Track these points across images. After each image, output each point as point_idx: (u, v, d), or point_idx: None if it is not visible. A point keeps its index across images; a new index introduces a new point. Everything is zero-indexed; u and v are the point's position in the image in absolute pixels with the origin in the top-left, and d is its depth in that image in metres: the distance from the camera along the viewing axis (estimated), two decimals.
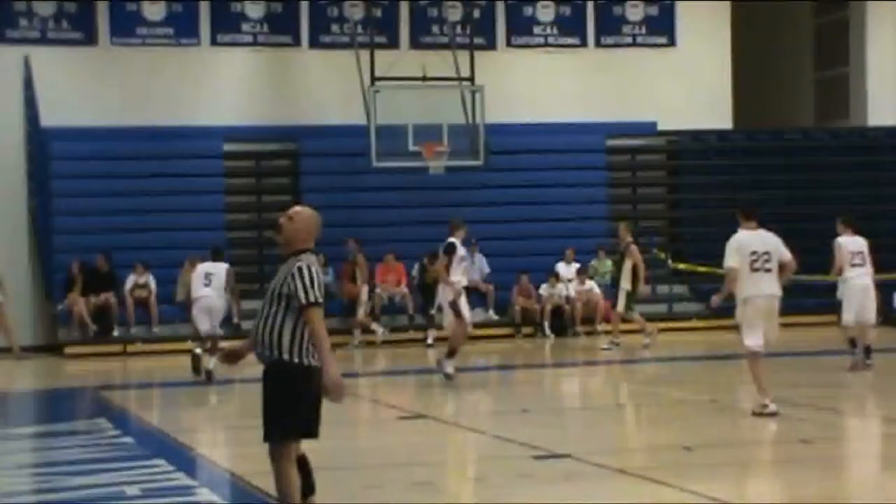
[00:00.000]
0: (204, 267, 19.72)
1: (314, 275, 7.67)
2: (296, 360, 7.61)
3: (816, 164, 28.91)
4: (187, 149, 26.29)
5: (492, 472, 11.28)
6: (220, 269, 19.49)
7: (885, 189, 28.99)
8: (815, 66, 31.63)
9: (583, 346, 24.28)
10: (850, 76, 30.54)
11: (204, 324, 19.15)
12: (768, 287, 13.24)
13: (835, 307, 18.61)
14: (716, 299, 13.94)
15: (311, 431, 7.77)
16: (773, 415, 12.93)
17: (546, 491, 10.12)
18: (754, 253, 13.27)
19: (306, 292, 7.56)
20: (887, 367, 19.31)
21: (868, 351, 17.55)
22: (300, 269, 7.64)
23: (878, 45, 29.97)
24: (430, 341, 24.03)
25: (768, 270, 13.27)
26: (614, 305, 22.91)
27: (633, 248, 22.57)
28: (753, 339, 13.27)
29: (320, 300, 7.61)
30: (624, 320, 22.91)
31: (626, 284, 22.44)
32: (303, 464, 7.88)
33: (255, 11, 27.32)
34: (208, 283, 19.28)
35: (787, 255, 13.46)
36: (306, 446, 7.94)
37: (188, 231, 25.47)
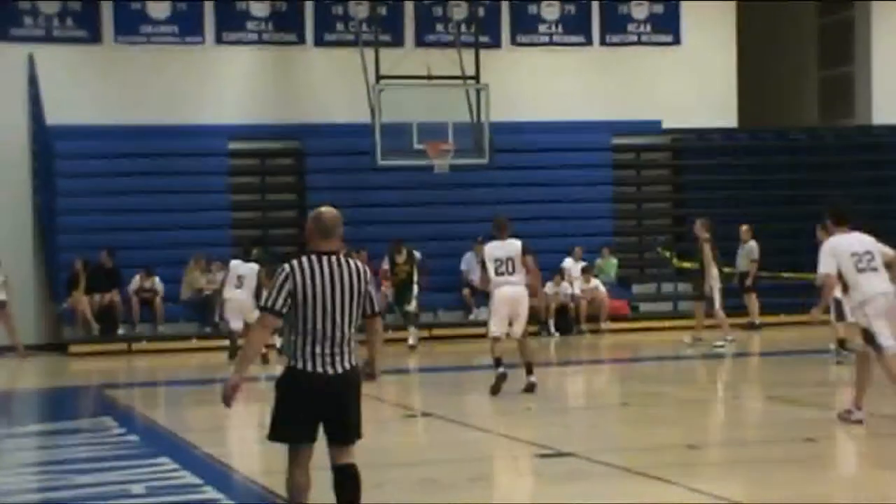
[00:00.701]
0: (236, 267, 20.50)
1: (279, 279, 7.43)
2: (286, 363, 7.57)
3: (821, 163, 28.88)
4: (192, 147, 26.30)
5: (496, 470, 11.28)
6: (252, 270, 20.42)
7: (890, 188, 28.95)
8: (819, 64, 31.60)
9: (587, 345, 24.27)
10: (854, 75, 30.51)
11: (235, 322, 20.87)
12: (881, 285, 12.45)
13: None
14: (815, 313, 13.24)
15: (301, 436, 7.54)
16: (858, 422, 12.39)
17: (551, 490, 10.12)
18: (855, 254, 12.48)
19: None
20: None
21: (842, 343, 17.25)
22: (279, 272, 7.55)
23: (883, 44, 29.94)
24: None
25: (875, 269, 12.49)
26: (706, 301, 22.03)
27: (707, 245, 21.90)
28: (886, 339, 12.33)
29: (268, 304, 7.43)
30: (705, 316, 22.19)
31: (715, 282, 21.82)
32: (342, 475, 7.66)
33: (259, 10, 27.32)
34: (240, 286, 20.52)
35: (889, 251, 12.80)
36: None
37: (193, 230, 25.49)
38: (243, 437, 13.79)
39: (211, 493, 10.04)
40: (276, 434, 7.59)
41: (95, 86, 26.19)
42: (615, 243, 27.91)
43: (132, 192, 25.79)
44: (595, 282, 25.92)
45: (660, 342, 23.85)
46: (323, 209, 7.60)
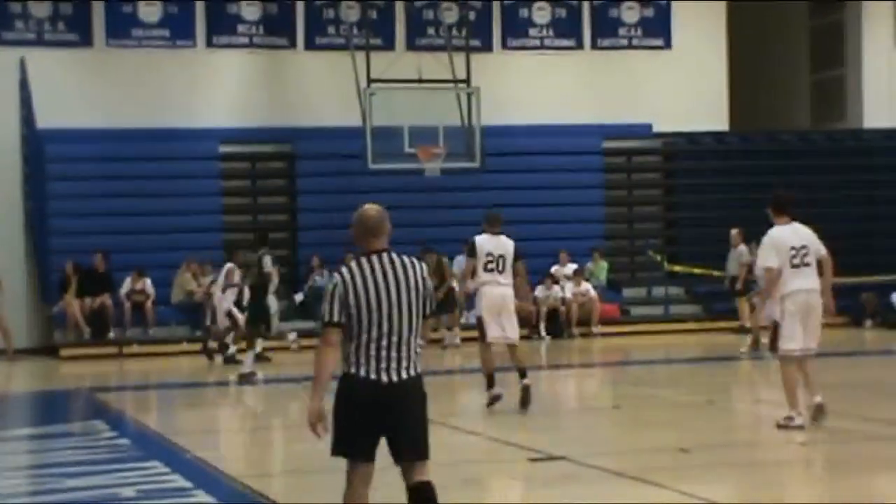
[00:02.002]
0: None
1: (330, 288, 6.96)
2: (344, 370, 7.05)
3: (812, 167, 28.91)
4: (183, 151, 26.28)
5: (487, 474, 11.28)
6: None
7: (881, 191, 29.00)
8: (810, 68, 31.65)
9: (578, 348, 24.28)
10: (845, 78, 30.56)
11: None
12: (806, 282, 12.37)
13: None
14: (758, 302, 12.95)
15: (358, 450, 7.01)
16: (799, 428, 12.25)
17: (542, 493, 10.12)
18: (793, 248, 12.39)
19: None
20: (888, 368, 19.34)
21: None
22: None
23: (874, 47, 29.99)
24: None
25: (807, 265, 12.38)
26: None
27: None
28: (791, 342, 12.43)
29: (325, 318, 6.95)
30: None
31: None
32: (416, 496, 7.09)
33: (250, 13, 27.31)
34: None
35: (822, 250, 12.63)
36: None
37: (184, 233, 25.47)
38: (234, 441, 13.78)
39: (201, 496, 10.03)
40: (335, 447, 7.02)
41: (87, 89, 26.17)
42: (606, 247, 27.93)
43: (123, 196, 25.76)
44: (586, 285, 25.93)
45: (651, 345, 23.87)
46: (366, 207, 7.14)
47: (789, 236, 12.54)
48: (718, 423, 13.31)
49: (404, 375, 6.94)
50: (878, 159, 29.49)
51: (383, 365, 6.90)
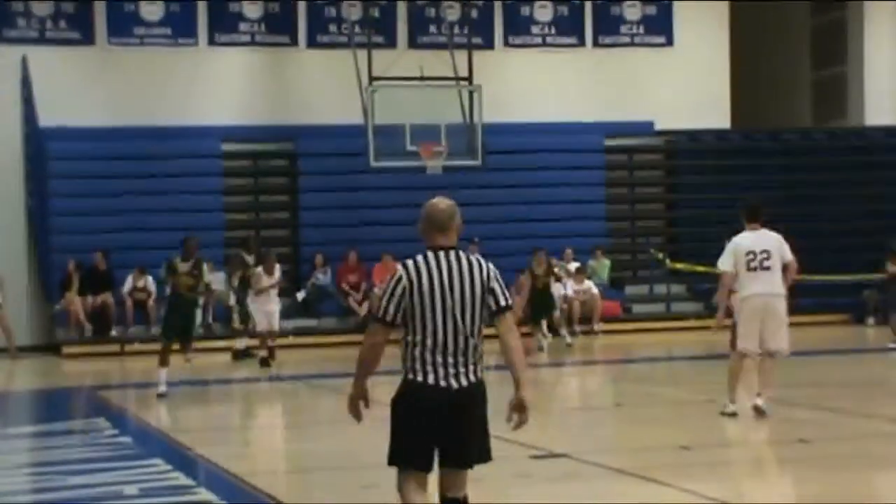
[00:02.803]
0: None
1: (390, 282, 6.58)
2: (403, 375, 6.65)
3: (814, 164, 28.91)
4: (185, 149, 26.29)
5: (489, 471, 11.27)
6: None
7: (883, 189, 28.99)
8: (812, 65, 31.64)
9: (580, 346, 24.27)
10: (847, 76, 30.55)
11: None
12: (763, 286, 12.74)
13: (835, 307, 18.51)
14: (719, 315, 13.43)
15: (414, 459, 6.59)
16: (732, 415, 12.91)
17: (544, 490, 10.12)
18: (750, 252, 12.82)
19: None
20: (890, 366, 19.33)
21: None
22: None
23: (876, 45, 29.98)
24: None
25: (767, 269, 12.77)
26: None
27: None
28: (744, 342, 12.83)
29: (378, 314, 6.57)
30: None
31: None
32: None
33: (252, 11, 27.31)
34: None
35: (788, 255, 12.99)
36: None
37: (186, 231, 25.40)
38: (236, 439, 13.79)
39: (204, 494, 10.03)
40: (391, 457, 6.66)
41: (89, 87, 26.18)
42: (608, 244, 27.92)
43: (125, 194, 25.78)
44: (588, 283, 25.92)
45: (652, 343, 23.87)
46: (435, 200, 6.71)
47: (750, 242, 12.98)
48: (719, 421, 13.30)
49: (472, 379, 6.56)
50: (881, 157, 29.49)
51: (451, 370, 6.50)
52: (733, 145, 29.66)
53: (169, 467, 11.15)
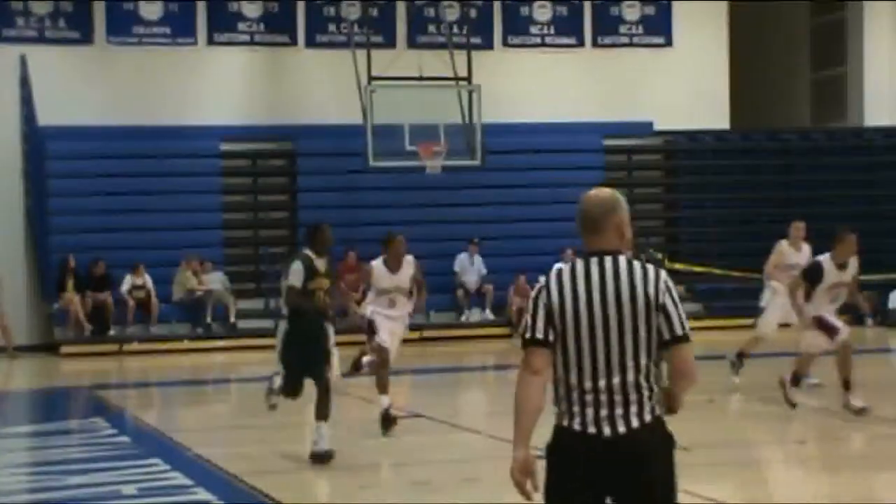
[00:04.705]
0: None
1: (534, 295, 5.16)
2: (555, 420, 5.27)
3: (813, 165, 28.91)
4: (184, 148, 26.26)
5: (487, 472, 11.27)
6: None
7: (882, 189, 28.99)
8: (811, 66, 31.63)
9: None
10: (846, 76, 30.54)
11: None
12: None
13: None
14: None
15: None
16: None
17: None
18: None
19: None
20: (889, 367, 19.31)
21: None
22: None
23: (875, 45, 29.96)
24: None
25: None
26: None
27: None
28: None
29: (528, 335, 5.14)
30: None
31: None
32: None
33: (251, 11, 27.29)
34: None
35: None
36: None
37: (185, 231, 25.46)
38: (234, 439, 13.78)
39: (202, 493, 10.03)
40: None
41: (87, 87, 26.15)
42: None
43: (124, 193, 25.75)
44: None
45: None
46: (591, 192, 5.35)
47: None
48: (717, 421, 13.29)
49: (635, 424, 5.00)
50: (880, 157, 29.48)
51: (602, 412, 5.01)
52: (732, 146, 29.65)
53: (167, 467, 11.15)
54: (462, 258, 25.87)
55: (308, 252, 11.69)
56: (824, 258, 13.52)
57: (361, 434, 12.88)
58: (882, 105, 29.72)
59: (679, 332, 5.02)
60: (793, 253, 15.99)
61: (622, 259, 5.10)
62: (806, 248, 16.00)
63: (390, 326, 13.19)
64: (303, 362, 11.34)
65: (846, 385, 13.15)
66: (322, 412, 11.17)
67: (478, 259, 25.93)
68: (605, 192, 5.32)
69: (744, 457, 11.65)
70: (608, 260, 5.10)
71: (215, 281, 24.90)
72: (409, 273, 13.58)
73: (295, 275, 11.36)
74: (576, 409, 5.05)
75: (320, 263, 11.69)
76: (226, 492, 10.24)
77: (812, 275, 13.42)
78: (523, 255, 26.36)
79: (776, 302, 15.64)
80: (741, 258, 24.57)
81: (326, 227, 12.04)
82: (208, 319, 24.57)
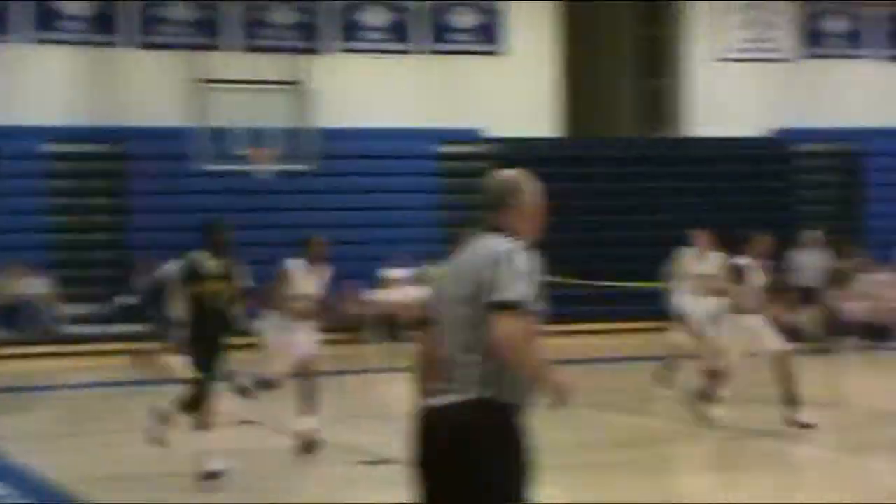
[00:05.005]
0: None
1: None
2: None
3: (645, 173, 29.35)
4: (7, 149, 25.60)
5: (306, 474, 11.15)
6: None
7: (716, 198, 29.38)
8: (641, 75, 32.17)
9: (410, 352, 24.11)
10: (674, 87, 31.15)
11: None
12: None
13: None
14: None
15: None
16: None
17: (545, 489, 10.02)
18: None
19: None
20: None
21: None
22: None
23: (700, 57, 30.59)
24: None
25: None
26: None
27: None
28: None
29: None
30: None
31: None
32: None
33: (79, 10, 26.70)
34: None
35: None
36: None
37: (9, 233, 24.79)
38: (55, 447, 13.44)
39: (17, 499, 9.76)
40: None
41: None
42: (440, 250, 27.91)
43: None
44: (421, 290, 25.83)
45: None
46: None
47: None
48: (564, 428, 13.38)
49: (454, 399, 5.00)
50: (711, 167, 29.91)
51: (439, 386, 5.08)
52: (565, 153, 29.96)
53: None
54: (298, 263, 25.62)
55: (198, 254, 11.17)
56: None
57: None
58: (707, 115, 30.33)
59: (496, 298, 4.94)
60: (698, 262, 16.04)
61: (491, 236, 5.22)
62: (713, 256, 15.73)
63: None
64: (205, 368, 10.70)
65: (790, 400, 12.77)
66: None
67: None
68: (507, 173, 5.68)
69: (581, 461, 11.73)
70: (482, 239, 5.21)
71: (35, 285, 24.29)
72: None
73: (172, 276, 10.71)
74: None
75: (213, 265, 11.11)
76: (45, 499, 9.98)
77: None
78: (359, 260, 26.26)
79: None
80: (574, 265, 24.77)
81: (221, 226, 11.58)
82: (27, 324, 23.93)
